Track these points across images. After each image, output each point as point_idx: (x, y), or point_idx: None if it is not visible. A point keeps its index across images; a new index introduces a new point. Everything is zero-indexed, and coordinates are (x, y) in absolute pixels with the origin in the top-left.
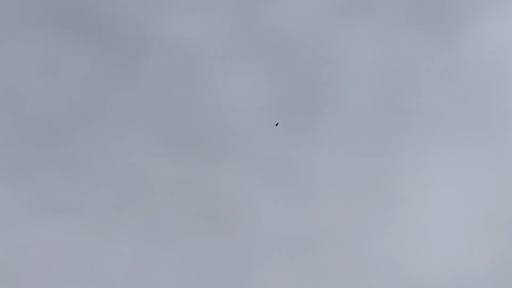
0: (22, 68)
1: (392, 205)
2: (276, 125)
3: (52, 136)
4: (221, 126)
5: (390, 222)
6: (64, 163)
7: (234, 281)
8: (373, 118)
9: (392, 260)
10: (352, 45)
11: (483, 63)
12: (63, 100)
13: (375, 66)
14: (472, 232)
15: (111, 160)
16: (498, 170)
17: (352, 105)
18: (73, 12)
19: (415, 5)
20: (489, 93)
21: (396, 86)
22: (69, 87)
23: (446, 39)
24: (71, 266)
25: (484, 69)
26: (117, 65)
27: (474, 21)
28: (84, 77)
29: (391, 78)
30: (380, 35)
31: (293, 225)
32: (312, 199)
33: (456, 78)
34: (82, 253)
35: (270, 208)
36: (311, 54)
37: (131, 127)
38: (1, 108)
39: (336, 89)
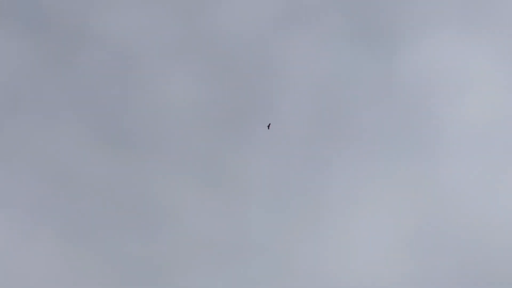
0: None
1: (322, 214)
2: (268, 127)
3: None
4: (154, 125)
5: (318, 230)
6: None
7: (157, 282)
8: (308, 127)
9: (318, 266)
10: (293, 55)
11: (417, 83)
12: None
13: (314, 77)
14: (397, 242)
15: (39, 154)
16: (426, 184)
17: (289, 113)
18: (11, 1)
19: (358, 22)
20: (421, 112)
21: (334, 98)
22: (0, 78)
23: (384, 57)
24: None
25: (418, 89)
26: (53, 58)
27: (411, 42)
28: (17, 68)
29: (329, 90)
30: (321, 47)
31: (220, 228)
32: (241, 203)
33: (391, 95)
34: (4, 249)
35: (198, 210)
36: (252, 61)
37: (63, 121)
38: None
39: (273, 96)
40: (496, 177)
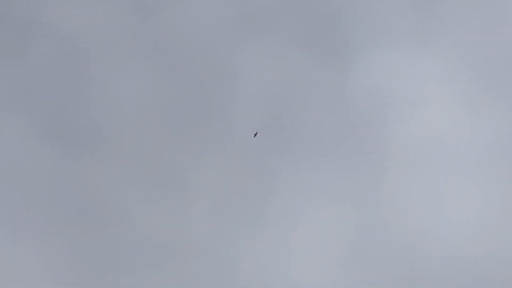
0: None
1: (264, 220)
2: (255, 135)
3: None
4: (102, 122)
5: (260, 236)
6: None
7: (99, 281)
8: (258, 135)
9: (258, 272)
10: (246, 61)
11: (368, 96)
12: None
13: (266, 84)
14: (338, 250)
15: None
16: (370, 195)
17: (238, 118)
18: None
19: (314, 33)
20: (370, 125)
21: (283, 106)
22: None
23: (337, 69)
24: None
25: (368, 102)
26: (3, 50)
27: (365, 56)
28: None
29: (280, 97)
30: (275, 55)
31: (163, 229)
32: (185, 206)
33: (342, 107)
34: None
35: (143, 210)
36: (205, 65)
37: (7, 115)
38: None
39: (224, 101)
40: (437, 192)
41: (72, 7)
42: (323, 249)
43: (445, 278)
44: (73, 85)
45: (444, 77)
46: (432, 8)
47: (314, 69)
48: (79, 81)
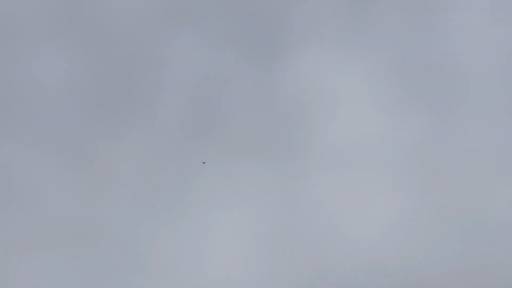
0: None
1: (183, 212)
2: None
3: None
4: (21, 101)
5: (178, 227)
6: None
7: (9, 264)
8: (182, 125)
9: (173, 263)
10: (174, 51)
11: (295, 93)
12: None
13: (193, 76)
14: (254, 246)
15: None
16: (290, 191)
17: (164, 109)
18: None
19: (243, 28)
20: (296, 122)
21: (210, 98)
22: None
23: (265, 65)
24: None
25: (295, 99)
26: None
27: (293, 53)
28: None
29: (206, 90)
30: (204, 48)
31: (78, 214)
32: (103, 193)
33: (269, 102)
34: None
35: (58, 193)
36: (133, 52)
37: None
38: None
39: (150, 90)
40: (358, 192)
41: None
42: (239, 245)
43: (363, 278)
44: None
45: (369, 78)
46: (361, 8)
47: (242, 65)
48: (2, 60)
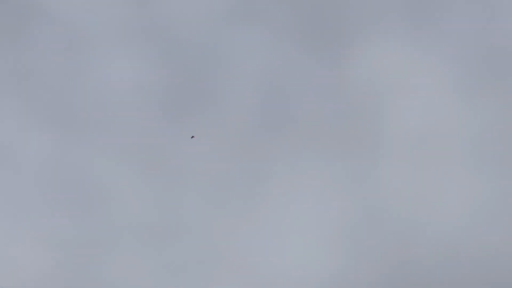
0: None
1: (257, 206)
2: (192, 137)
3: None
4: (97, 106)
5: (252, 221)
6: None
7: (88, 263)
8: (251, 122)
9: (248, 256)
10: (241, 49)
11: (362, 84)
12: None
13: (260, 73)
14: (329, 239)
15: None
16: (362, 184)
17: (233, 106)
18: None
19: (308, 22)
20: (364, 113)
21: (278, 94)
22: None
23: (331, 58)
24: None
25: (363, 90)
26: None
27: (359, 44)
28: None
29: (274, 86)
30: (270, 45)
31: (154, 212)
32: (177, 190)
33: (336, 95)
34: None
35: (133, 193)
36: (200, 52)
37: (4, 98)
38: None
39: (218, 89)
40: (430, 180)
41: None
42: (313, 240)
43: (436, 269)
44: (70, 70)
45: (438, 67)
46: None
47: (308, 59)
48: (77, 66)
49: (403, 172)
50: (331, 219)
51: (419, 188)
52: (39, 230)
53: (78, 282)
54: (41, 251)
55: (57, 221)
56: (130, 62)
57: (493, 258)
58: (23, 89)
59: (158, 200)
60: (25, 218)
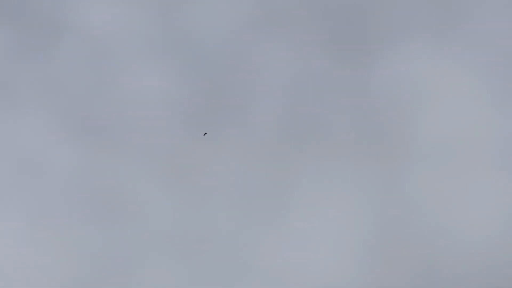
0: None
1: (285, 213)
2: (205, 134)
3: None
4: (125, 119)
5: (281, 228)
6: None
7: (119, 274)
8: (278, 130)
9: (278, 263)
10: (267, 58)
11: (389, 91)
12: None
13: (287, 81)
14: (357, 246)
15: (6, 142)
16: (392, 191)
17: (259, 114)
18: None
19: (332, 29)
20: (392, 119)
21: (305, 102)
22: None
23: (357, 64)
24: None
25: (390, 97)
26: (29, 48)
27: (386, 51)
28: None
29: (301, 94)
30: (296, 52)
31: (184, 222)
32: (206, 200)
33: (363, 102)
34: None
35: (163, 203)
36: (226, 61)
37: (30, 111)
38: None
39: (245, 97)
40: (461, 187)
41: (99, 8)
42: (341, 246)
43: (467, 278)
44: (99, 84)
45: (466, 71)
46: (451, 1)
47: (334, 66)
48: (102, 79)
49: (433, 180)
50: (360, 230)
51: (450, 196)
52: (67, 243)
53: None
54: (69, 263)
55: (85, 233)
56: (156, 73)
57: None
58: (51, 102)
59: (185, 212)
60: (54, 231)
